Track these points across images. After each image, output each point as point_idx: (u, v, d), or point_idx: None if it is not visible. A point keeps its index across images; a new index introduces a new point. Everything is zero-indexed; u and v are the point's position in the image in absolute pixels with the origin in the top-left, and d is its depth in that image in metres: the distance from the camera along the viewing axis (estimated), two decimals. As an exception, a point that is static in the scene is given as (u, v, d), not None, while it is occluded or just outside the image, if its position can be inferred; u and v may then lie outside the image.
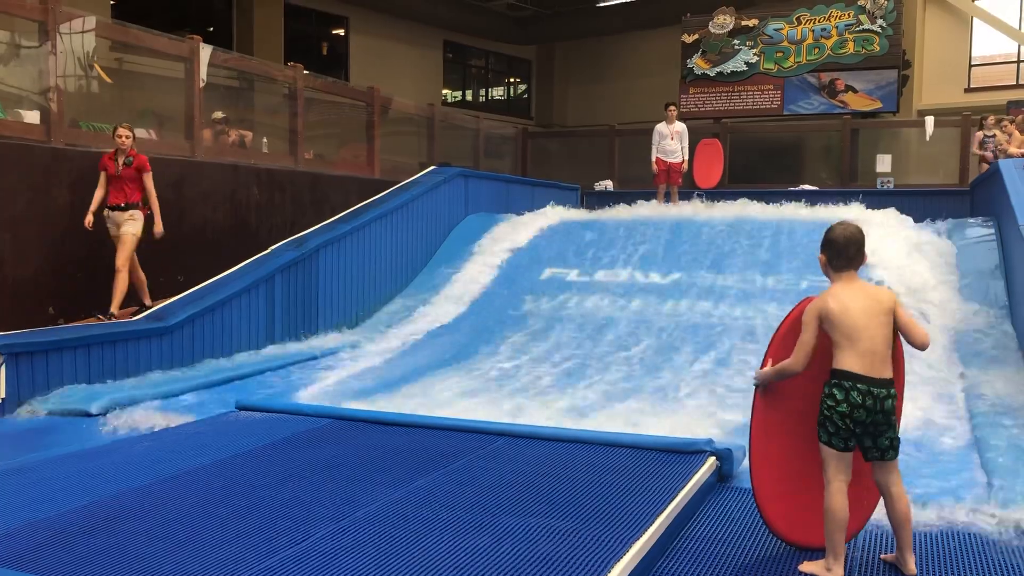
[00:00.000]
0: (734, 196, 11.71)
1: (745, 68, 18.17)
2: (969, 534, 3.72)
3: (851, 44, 17.23)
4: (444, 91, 23.97)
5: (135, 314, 7.95)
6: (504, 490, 3.97)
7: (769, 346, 3.52)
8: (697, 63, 18.58)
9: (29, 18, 8.68)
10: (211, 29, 17.64)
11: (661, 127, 13.01)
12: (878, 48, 17.05)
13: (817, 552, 3.39)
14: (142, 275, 8.25)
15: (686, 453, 4.48)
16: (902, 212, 10.21)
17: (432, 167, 12.53)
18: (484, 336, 8.68)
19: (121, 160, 8.00)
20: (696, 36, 18.56)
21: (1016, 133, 12.92)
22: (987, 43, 20.69)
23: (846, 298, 3.32)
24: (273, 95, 12.74)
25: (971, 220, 10.12)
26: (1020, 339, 7.19)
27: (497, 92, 27.13)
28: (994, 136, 13.04)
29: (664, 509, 3.67)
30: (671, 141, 12.92)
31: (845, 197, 11.54)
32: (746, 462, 4.35)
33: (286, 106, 12.19)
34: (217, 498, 3.88)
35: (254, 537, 3.37)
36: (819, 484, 3.36)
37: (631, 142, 17.62)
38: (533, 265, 10.28)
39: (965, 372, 6.72)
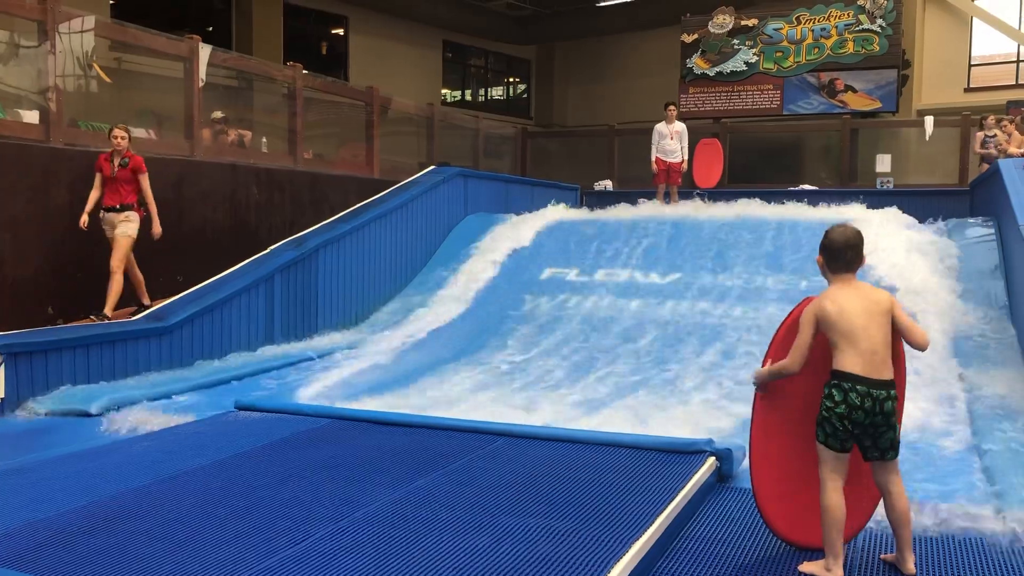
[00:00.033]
0: (734, 196, 11.69)
1: (745, 68, 18.17)
2: (969, 536, 3.72)
3: (851, 44, 17.23)
4: (443, 91, 23.97)
5: (134, 314, 7.94)
6: (503, 490, 3.96)
7: (769, 347, 3.52)
8: (697, 63, 18.58)
9: (28, 18, 8.68)
10: (210, 29, 17.63)
11: (661, 127, 13.00)
12: (878, 48, 17.05)
13: (817, 552, 3.39)
14: (139, 275, 8.22)
15: (686, 453, 4.48)
16: (902, 212, 10.19)
17: (431, 167, 12.53)
18: (484, 336, 8.69)
19: (117, 161, 7.95)
20: (696, 36, 18.56)
21: (1016, 133, 12.92)
22: (987, 43, 20.69)
23: (843, 300, 3.33)
24: (272, 95, 12.74)
25: (971, 220, 10.11)
26: (1020, 339, 7.18)
27: (497, 92, 27.13)
28: (995, 136, 13.05)
29: (664, 509, 3.66)
30: (671, 141, 12.92)
31: (845, 197, 11.53)
32: (746, 462, 4.36)
33: (285, 106, 12.19)
34: (216, 498, 3.88)
35: (253, 537, 3.36)
36: (819, 484, 3.35)
37: (631, 142, 17.62)
38: (533, 265, 10.28)
39: (964, 373, 6.70)
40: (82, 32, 8.88)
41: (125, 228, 7.94)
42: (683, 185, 13.48)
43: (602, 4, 23.09)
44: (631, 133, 17.73)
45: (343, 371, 7.46)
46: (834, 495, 3.28)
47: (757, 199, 11.19)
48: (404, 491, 3.95)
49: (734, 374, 7.14)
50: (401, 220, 10.55)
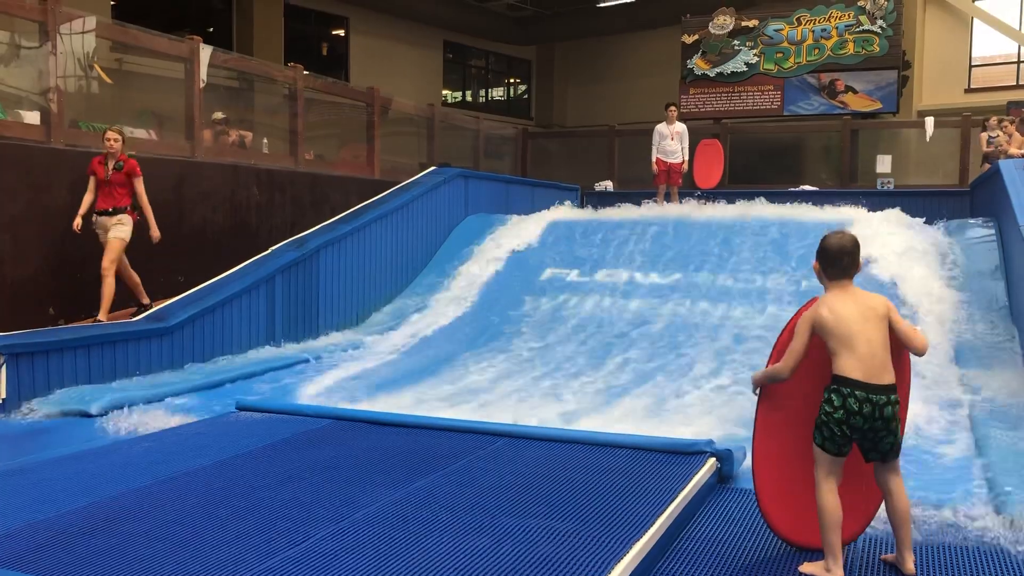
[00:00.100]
0: (734, 197, 11.70)
1: (745, 69, 18.17)
2: (969, 539, 3.71)
3: (851, 45, 17.23)
4: (444, 91, 23.98)
5: (135, 314, 7.94)
6: (504, 491, 3.96)
7: (772, 351, 3.54)
8: (697, 63, 18.58)
9: (29, 18, 8.68)
10: (211, 29, 17.64)
11: (661, 127, 13.01)
12: (878, 49, 17.05)
13: (818, 553, 3.39)
14: (135, 276, 8.16)
15: (686, 454, 4.48)
16: (901, 211, 10.19)
17: (432, 168, 12.53)
18: (484, 337, 8.69)
19: (111, 164, 7.87)
20: (696, 37, 18.56)
21: (1016, 134, 12.93)
22: (987, 43, 20.69)
23: (838, 305, 3.33)
24: (273, 95, 12.74)
25: (971, 221, 10.11)
26: (1021, 340, 7.18)
27: (497, 92, 27.14)
28: (996, 136, 13.07)
29: (664, 510, 3.66)
30: (671, 141, 12.93)
31: (845, 198, 11.53)
32: (746, 463, 4.36)
33: (286, 106, 12.19)
34: (217, 499, 3.88)
35: (254, 538, 3.37)
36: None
37: (631, 142, 17.62)
38: (534, 266, 10.29)
39: (965, 374, 6.70)
40: (83, 33, 8.89)
41: (117, 231, 7.85)
42: (684, 186, 13.49)
43: (602, 5, 23.10)
44: (631, 134, 17.73)
45: (343, 372, 7.47)
46: (829, 496, 3.28)
47: (757, 200, 11.19)
48: (404, 492, 3.95)
49: (735, 374, 7.14)
50: (402, 221, 10.56)
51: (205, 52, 10.26)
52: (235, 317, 8.09)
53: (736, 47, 18.20)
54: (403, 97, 15.44)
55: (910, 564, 3.34)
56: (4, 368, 6.01)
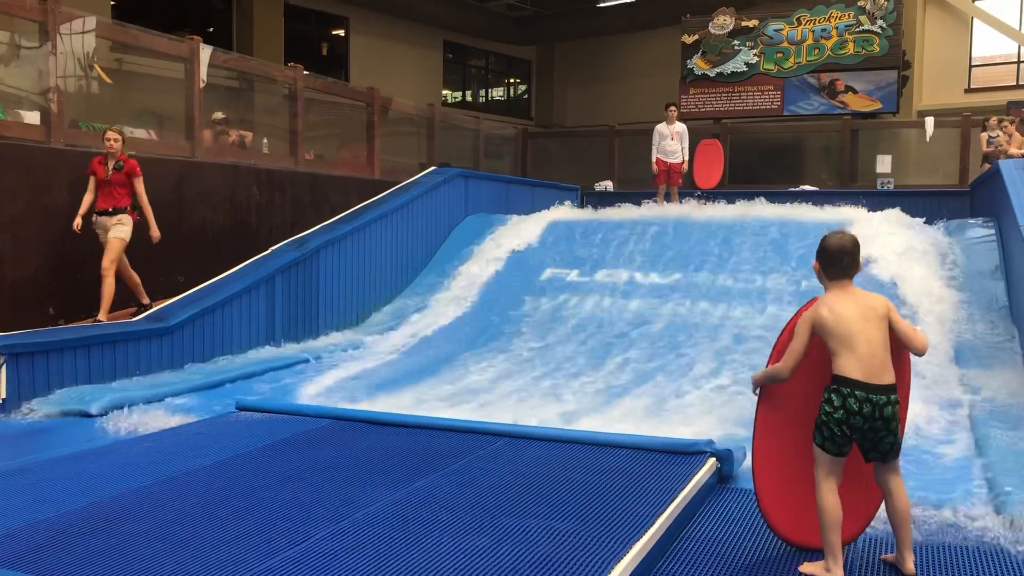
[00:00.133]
0: (734, 197, 11.70)
1: (745, 69, 18.17)
2: (969, 539, 3.71)
3: (851, 45, 17.23)
4: (444, 91, 23.98)
5: (135, 314, 7.95)
6: (504, 491, 3.97)
7: (772, 351, 3.54)
8: (697, 63, 18.58)
9: (29, 19, 8.68)
10: (211, 29, 17.64)
11: (661, 127, 13.02)
12: (878, 49, 17.05)
13: (818, 553, 3.39)
14: (135, 276, 8.15)
15: (686, 454, 4.48)
16: (901, 211, 10.19)
17: (432, 168, 12.53)
18: (484, 337, 8.69)
19: (111, 164, 7.85)
20: (696, 37, 18.56)
21: (1016, 134, 12.93)
22: (987, 43, 20.69)
23: (838, 306, 3.33)
24: (273, 95, 12.74)
25: (971, 221, 10.11)
26: (1021, 340, 7.18)
27: (497, 92, 27.14)
28: (997, 136, 13.08)
29: (664, 510, 3.66)
30: (671, 141, 12.93)
31: (845, 198, 11.53)
32: (746, 463, 4.36)
33: (286, 106, 12.19)
34: (217, 499, 3.88)
35: (254, 538, 3.37)
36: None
37: (631, 142, 17.62)
38: (533, 266, 10.29)
39: (965, 374, 6.69)
40: (83, 33, 8.89)
41: (117, 231, 7.84)
42: (684, 186, 13.49)
43: (602, 5, 23.10)
44: (631, 134, 17.73)
45: (343, 372, 7.47)
46: (829, 496, 3.28)
47: (757, 200, 11.19)
48: (404, 492, 3.95)
49: (734, 374, 7.14)
50: (402, 221, 10.56)
51: (205, 52, 10.26)
52: (235, 317, 8.09)
53: (736, 47, 18.20)
54: (403, 97, 15.44)
55: (910, 564, 3.34)
56: (4, 368, 6.01)
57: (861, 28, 17.13)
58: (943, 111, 18.12)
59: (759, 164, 18.45)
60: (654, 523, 3.51)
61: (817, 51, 17.54)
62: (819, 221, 9.88)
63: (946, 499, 4.03)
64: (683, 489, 3.95)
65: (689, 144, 13.29)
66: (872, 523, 3.64)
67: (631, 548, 3.24)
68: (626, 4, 22.72)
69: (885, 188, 15.47)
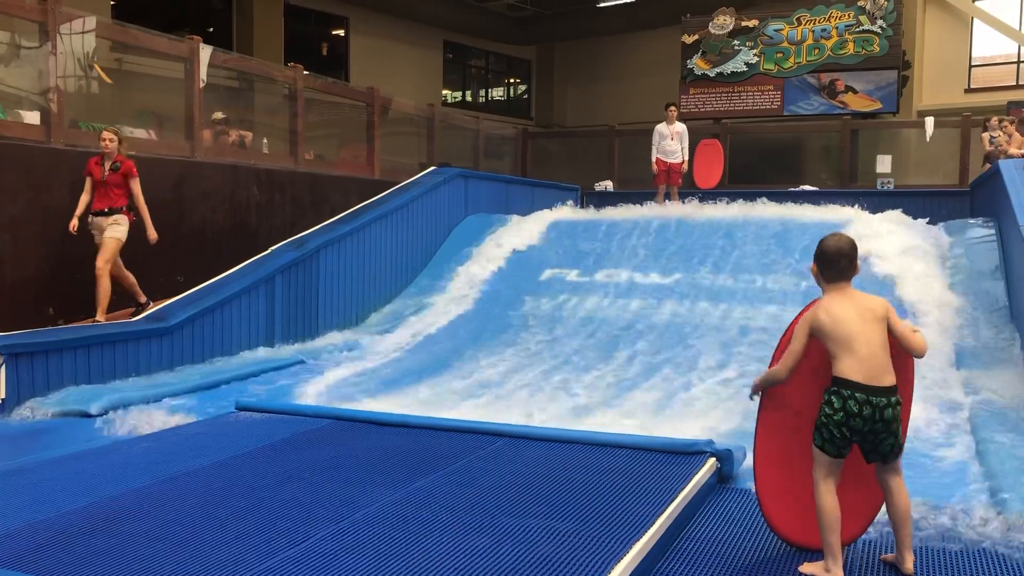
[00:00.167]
0: (734, 197, 11.70)
1: (745, 69, 18.17)
2: (968, 541, 3.69)
3: (851, 45, 17.23)
4: (444, 91, 23.98)
5: (134, 314, 7.94)
6: (504, 491, 3.96)
7: (775, 353, 3.54)
8: (697, 63, 18.58)
9: (29, 19, 8.68)
10: (211, 29, 17.65)
11: (661, 127, 13.02)
12: (878, 49, 17.05)
13: (818, 553, 3.39)
14: (130, 276, 8.11)
15: (686, 454, 4.48)
16: (902, 212, 10.18)
17: (432, 168, 12.53)
18: (484, 337, 8.69)
19: (107, 165, 7.82)
20: (696, 36, 18.56)
21: (1016, 134, 12.93)
22: (987, 44, 20.69)
23: (836, 308, 3.33)
24: (273, 95, 12.74)
25: (971, 221, 10.11)
26: (1021, 341, 7.17)
27: (497, 92, 27.14)
28: (997, 136, 13.08)
29: (664, 510, 3.66)
30: (671, 141, 12.94)
31: (845, 198, 11.53)
32: (746, 463, 4.37)
33: (286, 106, 12.19)
34: (217, 499, 3.88)
35: (254, 538, 3.37)
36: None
37: (631, 142, 17.63)
38: (533, 266, 10.29)
39: (965, 375, 6.68)
40: (83, 33, 8.89)
41: (113, 231, 7.79)
42: (683, 186, 13.49)
43: (602, 5, 23.10)
44: (631, 134, 17.73)
45: (343, 372, 7.47)
46: (827, 496, 3.28)
47: (757, 200, 11.19)
48: (404, 492, 3.95)
49: (740, 367, 7.14)
50: (402, 221, 10.56)
51: (205, 52, 10.26)
52: (235, 317, 8.09)
53: (736, 47, 18.20)
54: (403, 97, 15.44)
55: (909, 564, 3.34)
56: (4, 368, 6.01)
57: (861, 28, 17.13)
58: (943, 111, 18.12)
59: (759, 164, 18.45)
60: (654, 523, 3.50)
61: (817, 51, 17.54)
62: (819, 221, 9.88)
63: (945, 501, 4.02)
64: (683, 489, 3.95)
65: (689, 144, 13.30)
66: (874, 523, 3.64)
67: (631, 548, 3.24)
68: (626, 4, 22.72)
69: (885, 188, 15.47)
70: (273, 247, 9.02)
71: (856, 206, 10.61)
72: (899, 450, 3.31)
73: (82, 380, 6.52)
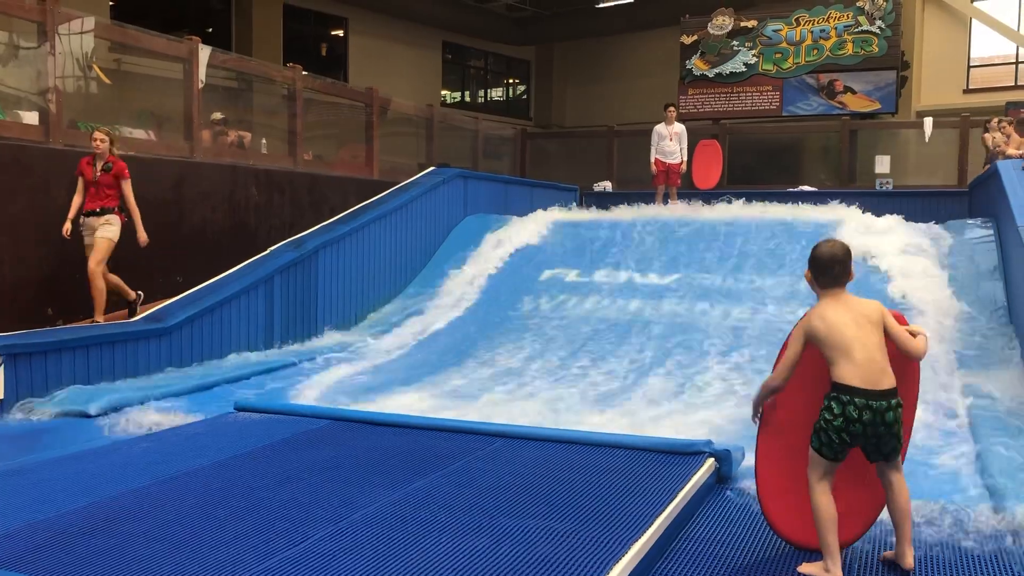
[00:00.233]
0: (733, 197, 11.71)
1: (744, 69, 18.18)
2: (968, 542, 3.69)
3: (850, 45, 17.24)
4: (443, 92, 23.98)
5: (129, 313, 7.94)
6: (502, 491, 3.97)
7: (775, 363, 3.55)
8: (696, 64, 18.59)
9: (28, 19, 8.69)
10: (210, 30, 17.65)
11: (660, 128, 13.03)
12: (877, 49, 17.06)
13: (818, 553, 3.40)
14: (114, 277, 8.01)
15: (685, 454, 4.48)
16: (901, 213, 10.19)
17: (431, 168, 12.54)
18: (484, 337, 8.69)
19: (99, 166, 7.80)
20: (695, 37, 18.57)
21: (1014, 134, 12.94)
22: (986, 44, 20.70)
23: (830, 314, 3.34)
24: (272, 96, 12.75)
25: (970, 221, 10.11)
26: (1020, 341, 7.17)
27: (496, 93, 27.14)
28: (996, 136, 13.09)
29: (663, 510, 3.67)
30: (670, 142, 12.94)
31: (844, 198, 11.53)
32: (745, 463, 4.37)
33: (285, 107, 12.20)
34: (216, 499, 3.88)
35: (253, 538, 3.37)
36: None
37: (630, 143, 17.63)
38: (532, 266, 10.29)
39: (963, 376, 6.68)
40: (81, 33, 8.89)
41: (105, 232, 7.76)
42: (682, 186, 13.50)
43: (601, 5, 23.11)
44: (630, 134, 17.74)
45: (342, 372, 7.47)
46: (822, 497, 3.29)
47: (757, 200, 11.20)
48: (403, 492, 3.95)
49: (733, 375, 7.14)
50: (401, 221, 10.56)
51: (204, 52, 10.26)
52: (234, 318, 8.09)
53: (735, 48, 18.21)
54: (402, 97, 15.45)
55: (910, 559, 3.35)
56: (3, 368, 6.01)
57: (860, 28, 17.14)
58: (942, 111, 18.13)
59: (758, 165, 18.46)
60: (652, 524, 3.51)
61: (816, 51, 17.55)
62: (819, 221, 9.89)
63: (944, 503, 4.01)
64: (681, 490, 3.95)
65: (688, 145, 13.30)
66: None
67: (629, 549, 3.24)
68: (625, 5, 22.73)
69: (884, 188, 15.48)
70: (272, 247, 9.03)
71: (855, 206, 10.62)
72: (901, 450, 3.32)
73: (81, 380, 6.52)
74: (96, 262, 7.70)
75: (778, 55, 17.89)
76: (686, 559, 3.50)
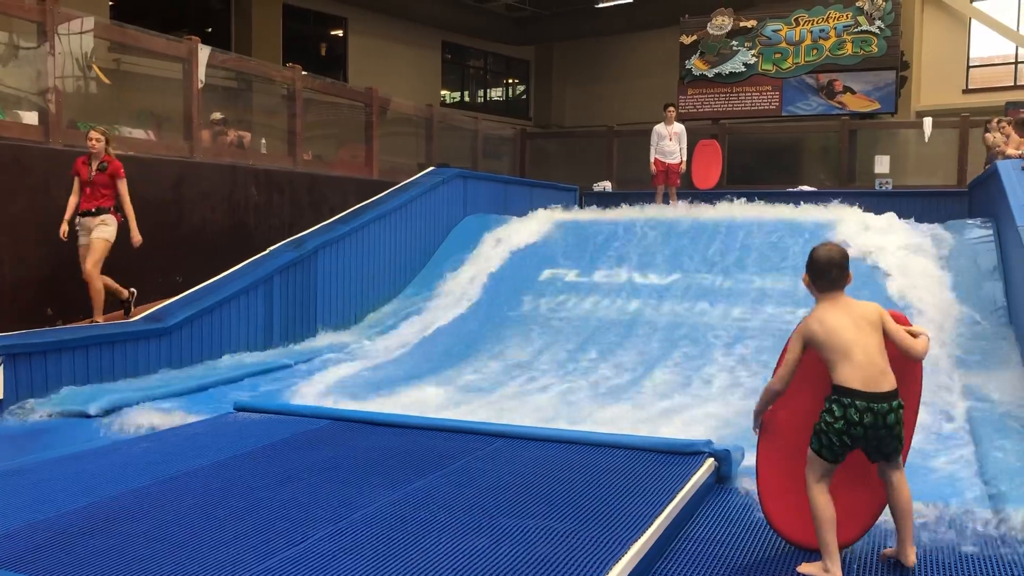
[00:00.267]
0: (733, 197, 11.70)
1: (743, 69, 18.18)
2: (968, 543, 3.70)
3: (849, 45, 17.24)
4: (442, 92, 23.98)
5: (125, 312, 7.94)
6: (502, 491, 3.97)
7: (775, 367, 3.55)
8: (695, 64, 18.58)
9: (27, 19, 8.69)
10: (209, 30, 17.65)
11: (659, 128, 13.03)
12: (876, 49, 17.06)
13: (818, 553, 3.40)
14: (104, 278, 7.92)
15: (684, 454, 4.48)
16: (900, 213, 10.19)
17: (431, 168, 12.53)
18: (483, 336, 8.69)
19: (94, 165, 7.76)
20: (694, 37, 18.56)
21: (1013, 134, 12.94)
22: (985, 44, 20.71)
23: (828, 317, 3.34)
24: (272, 96, 12.75)
25: (969, 221, 10.10)
26: (1019, 341, 7.17)
27: (495, 93, 27.13)
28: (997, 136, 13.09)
29: (662, 510, 3.67)
30: (669, 142, 12.95)
31: (844, 198, 11.53)
32: (745, 463, 4.37)
33: (284, 107, 12.19)
34: (215, 499, 3.88)
35: (252, 538, 3.37)
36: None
37: (629, 143, 17.63)
38: (532, 266, 10.28)
39: (963, 376, 6.68)
40: (81, 33, 8.89)
41: (101, 232, 7.72)
42: (682, 186, 13.50)
43: (601, 5, 23.11)
44: (630, 134, 17.74)
45: (341, 372, 7.47)
46: (820, 497, 3.29)
47: (756, 200, 11.19)
48: (403, 492, 3.95)
49: (732, 375, 7.15)
50: (400, 221, 10.56)
51: (203, 52, 10.26)
52: (233, 318, 8.09)
53: (734, 48, 18.21)
54: (401, 97, 15.45)
55: (911, 556, 3.35)
56: (2, 368, 6.01)
57: (859, 28, 17.14)
58: (941, 111, 18.13)
59: (757, 165, 18.46)
60: (652, 524, 3.51)
61: (815, 51, 17.54)
62: (818, 222, 9.89)
63: (944, 503, 4.01)
64: (681, 489, 3.95)
65: (687, 145, 13.31)
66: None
67: (629, 549, 3.24)
68: (624, 4, 22.73)
69: (883, 188, 15.48)
70: (271, 247, 9.02)
71: (855, 206, 10.61)
72: (903, 451, 3.32)
73: (81, 380, 6.53)
74: (93, 263, 7.68)
75: (777, 55, 17.89)
76: (686, 559, 3.51)
